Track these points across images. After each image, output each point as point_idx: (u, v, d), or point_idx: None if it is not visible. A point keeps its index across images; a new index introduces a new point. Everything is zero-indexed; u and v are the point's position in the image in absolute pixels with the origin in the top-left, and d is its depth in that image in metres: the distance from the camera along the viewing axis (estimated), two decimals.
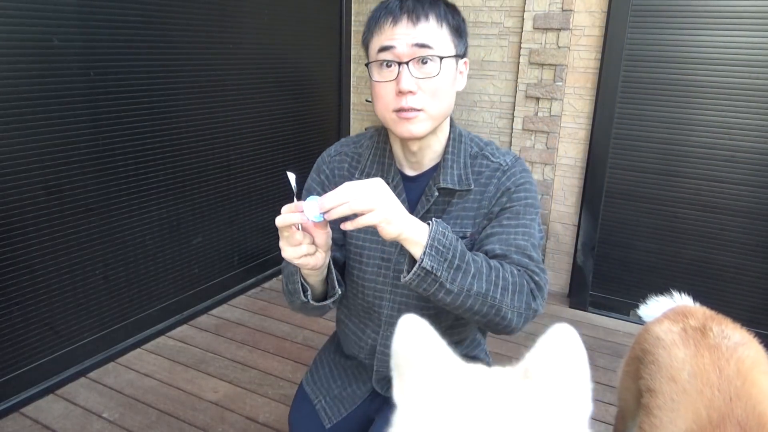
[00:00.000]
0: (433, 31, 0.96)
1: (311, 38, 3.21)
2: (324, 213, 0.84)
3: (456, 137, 1.10)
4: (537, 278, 0.99)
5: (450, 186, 1.06)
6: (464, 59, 1.06)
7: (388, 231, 0.86)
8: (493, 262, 0.96)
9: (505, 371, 0.51)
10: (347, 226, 0.86)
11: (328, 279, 1.04)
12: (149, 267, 2.48)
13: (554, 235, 3.07)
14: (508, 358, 2.44)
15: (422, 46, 0.95)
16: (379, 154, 1.13)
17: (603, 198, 2.85)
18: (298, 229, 0.87)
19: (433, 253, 0.86)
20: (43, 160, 1.98)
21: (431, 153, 1.09)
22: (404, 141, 1.07)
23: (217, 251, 2.85)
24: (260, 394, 2.17)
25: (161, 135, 2.41)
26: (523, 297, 0.96)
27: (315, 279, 1.01)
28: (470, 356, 1.25)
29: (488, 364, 1.30)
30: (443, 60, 0.97)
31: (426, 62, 0.96)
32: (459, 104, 3.21)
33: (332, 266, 1.02)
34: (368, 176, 1.11)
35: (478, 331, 1.28)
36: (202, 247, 2.75)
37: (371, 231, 1.12)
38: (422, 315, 0.51)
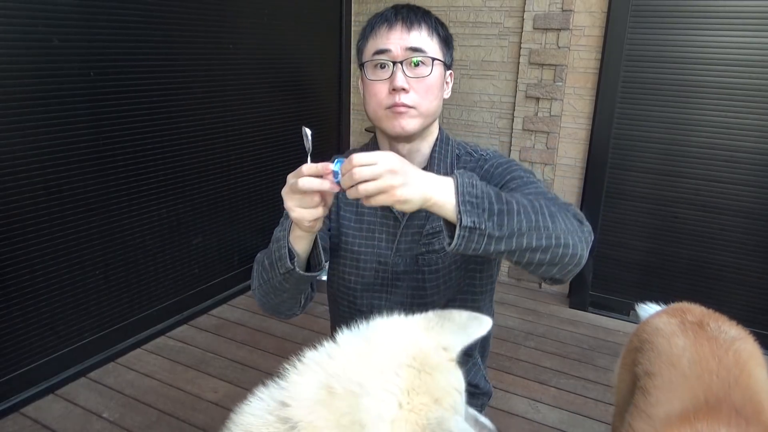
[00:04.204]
0: (424, 39, 1.04)
1: (311, 38, 3.21)
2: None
3: (443, 139, 1.14)
4: (571, 206, 0.95)
5: None
6: (450, 71, 1.12)
7: (408, 207, 0.80)
8: (528, 196, 0.91)
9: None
10: (369, 202, 0.80)
11: (314, 252, 1.00)
12: (149, 267, 2.48)
13: None
14: (508, 357, 2.45)
15: (415, 50, 1.02)
16: None
17: (603, 198, 2.85)
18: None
19: (468, 208, 0.79)
20: (43, 160, 1.98)
21: (419, 156, 1.12)
22: (394, 143, 1.09)
23: (217, 251, 2.85)
24: None
25: (161, 135, 2.41)
26: (571, 219, 0.90)
27: (301, 247, 0.96)
28: (471, 384, 1.24)
29: (489, 392, 1.30)
30: (434, 62, 1.04)
31: (418, 65, 1.03)
32: (459, 104, 3.22)
33: (318, 240, 0.99)
34: None
35: (479, 354, 1.28)
36: (202, 247, 2.75)
37: (365, 237, 1.13)
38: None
